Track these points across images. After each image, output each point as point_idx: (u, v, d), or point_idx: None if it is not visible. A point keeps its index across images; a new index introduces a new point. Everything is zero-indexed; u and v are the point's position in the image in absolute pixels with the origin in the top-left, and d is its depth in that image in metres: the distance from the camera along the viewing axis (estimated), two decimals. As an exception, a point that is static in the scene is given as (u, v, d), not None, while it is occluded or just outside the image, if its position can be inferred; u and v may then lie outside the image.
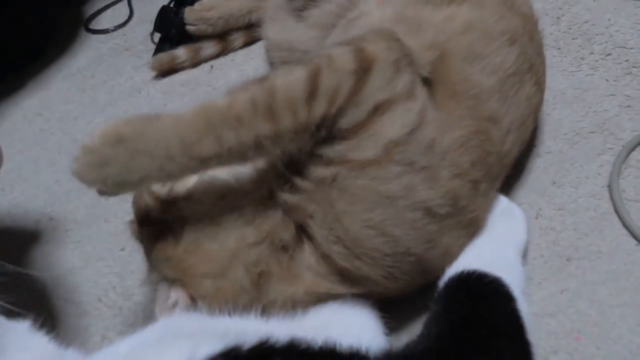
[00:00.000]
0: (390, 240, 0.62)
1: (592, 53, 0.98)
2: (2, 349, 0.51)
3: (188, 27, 1.16)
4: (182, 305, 0.62)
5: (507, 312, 0.61)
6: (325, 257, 0.64)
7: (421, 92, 0.64)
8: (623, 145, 0.85)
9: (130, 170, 0.58)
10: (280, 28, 1.00)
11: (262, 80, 0.62)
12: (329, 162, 0.62)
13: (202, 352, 0.49)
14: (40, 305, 0.82)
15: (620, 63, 0.95)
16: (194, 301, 0.62)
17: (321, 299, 0.65)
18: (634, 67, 0.94)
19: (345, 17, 0.79)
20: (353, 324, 0.65)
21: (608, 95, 0.92)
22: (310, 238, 0.64)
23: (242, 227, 0.64)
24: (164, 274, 0.64)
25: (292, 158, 0.64)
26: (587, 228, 0.79)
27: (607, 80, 0.94)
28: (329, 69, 0.61)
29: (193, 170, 0.60)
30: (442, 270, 0.66)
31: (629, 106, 0.90)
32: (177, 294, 0.62)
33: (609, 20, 1.01)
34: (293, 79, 0.61)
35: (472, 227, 0.68)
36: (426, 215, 0.63)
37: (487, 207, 0.71)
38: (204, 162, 0.59)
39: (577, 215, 0.80)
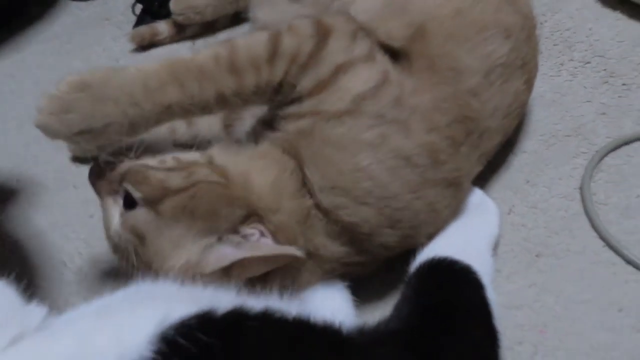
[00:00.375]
0: (378, 185, 0.64)
1: (572, 60, 1.00)
2: None
3: (175, 17, 1.13)
4: (269, 238, 0.61)
5: (477, 299, 0.62)
6: (328, 214, 0.64)
7: (382, 58, 0.68)
8: (596, 151, 0.87)
9: (95, 116, 0.60)
10: (270, 9, 0.99)
11: (224, 41, 0.65)
12: (302, 115, 0.65)
13: (176, 314, 0.48)
14: (1, 267, 0.79)
15: (598, 72, 0.97)
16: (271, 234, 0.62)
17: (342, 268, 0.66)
18: (611, 76, 0.96)
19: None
20: (326, 304, 0.65)
21: (585, 102, 0.94)
22: (311, 193, 0.65)
23: (275, 165, 0.65)
24: (232, 220, 0.61)
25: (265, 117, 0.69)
26: (558, 227, 0.80)
27: (585, 87, 0.96)
28: (288, 32, 0.65)
29: (156, 118, 0.62)
30: (430, 229, 0.68)
31: (604, 113, 0.92)
32: (258, 228, 0.61)
33: (590, 29, 1.03)
34: (254, 40, 0.65)
35: (456, 188, 0.69)
36: (407, 164, 0.64)
37: (470, 173, 0.73)
38: (168, 110, 0.62)
39: (549, 214, 0.82)
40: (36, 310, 0.52)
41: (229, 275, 0.58)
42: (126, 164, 0.64)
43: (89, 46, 1.18)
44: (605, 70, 0.97)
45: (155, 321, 0.47)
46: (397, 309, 0.61)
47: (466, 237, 0.69)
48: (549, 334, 0.71)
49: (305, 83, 0.65)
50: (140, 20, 1.19)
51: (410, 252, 0.70)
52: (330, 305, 0.65)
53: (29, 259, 0.81)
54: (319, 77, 0.65)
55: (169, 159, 0.65)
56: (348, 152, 0.63)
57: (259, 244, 0.60)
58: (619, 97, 0.94)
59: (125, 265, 0.62)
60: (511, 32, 0.75)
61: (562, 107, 0.94)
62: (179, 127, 0.85)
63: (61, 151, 0.94)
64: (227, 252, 0.59)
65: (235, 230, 0.61)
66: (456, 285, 0.62)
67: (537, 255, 0.78)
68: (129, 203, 0.62)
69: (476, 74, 0.71)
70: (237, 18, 1.16)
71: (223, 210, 0.61)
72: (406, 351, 0.52)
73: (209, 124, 0.84)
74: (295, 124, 0.66)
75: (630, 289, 0.74)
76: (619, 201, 0.82)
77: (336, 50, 0.66)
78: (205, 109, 0.64)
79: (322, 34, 0.66)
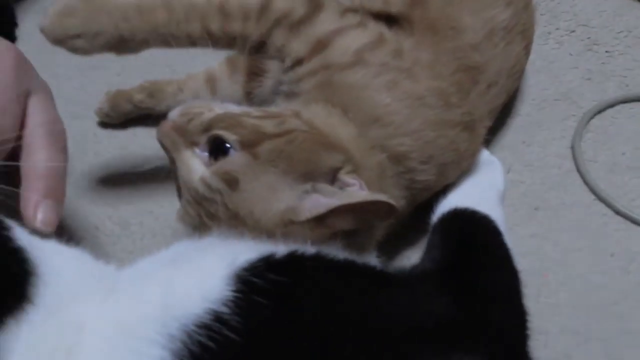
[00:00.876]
0: (405, 120, 0.67)
1: (558, 29, 1.07)
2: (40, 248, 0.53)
3: None
4: (365, 191, 0.60)
5: (497, 243, 0.68)
6: (387, 150, 0.67)
7: (374, 25, 0.72)
8: (584, 113, 0.94)
9: (90, 23, 0.68)
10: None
11: None
12: (315, 72, 0.69)
13: (242, 258, 0.51)
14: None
15: (582, 40, 1.05)
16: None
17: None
18: (595, 44, 1.04)
19: None
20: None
21: (571, 68, 1.01)
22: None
23: (347, 122, 0.67)
24: (331, 165, 0.62)
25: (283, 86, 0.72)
26: (553, 183, 0.88)
27: (571, 55, 1.03)
28: None
29: (143, 37, 0.69)
30: (457, 169, 0.73)
31: (589, 79, 0.99)
32: (358, 179, 0.61)
33: (573, 0, 1.11)
34: None
35: (471, 132, 0.73)
36: (422, 104, 0.68)
37: (482, 120, 0.76)
38: (155, 31, 0.68)
39: (544, 171, 0.89)
40: (109, 268, 0.56)
41: (321, 226, 0.58)
42: (208, 114, 0.65)
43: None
44: (589, 38, 1.05)
45: (225, 264, 0.50)
46: (428, 252, 0.67)
47: (480, 191, 0.76)
48: (551, 278, 0.79)
49: (300, 45, 0.68)
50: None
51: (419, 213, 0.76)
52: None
53: (63, 224, 0.84)
54: (315, 36, 0.68)
55: (251, 109, 0.67)
56: (371, 92, 0.67)
57: (354, 192, 0.60)
58: (602, 63, 1.01)
59: (203, 217, 0.62)
60: (512, 0, 0.80)
61: (550, 74, 1.00)
62: (203, 94, 0.89)
63: (78, 119, 0.96)
64: (322, 200, 0.59)
65: (333, 178, 0.62)
66: (479, 231, 0.69)
67: (535, 209, 0.85)
68: (217, 151, 0.63)
69: (477, 32, 0.75)
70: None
71: (322, 154, 0.62)
72: (444, 286, 0.58)
73: (232, 91, 0.88)
74: (312, 80, 0.69)
75: (620, 237, 0.82)
76: (606, 159, 0.90)
77: (327, 20, 0.69)
78: (191, 39, 0.69)
79: (314, 6, 0.69)
